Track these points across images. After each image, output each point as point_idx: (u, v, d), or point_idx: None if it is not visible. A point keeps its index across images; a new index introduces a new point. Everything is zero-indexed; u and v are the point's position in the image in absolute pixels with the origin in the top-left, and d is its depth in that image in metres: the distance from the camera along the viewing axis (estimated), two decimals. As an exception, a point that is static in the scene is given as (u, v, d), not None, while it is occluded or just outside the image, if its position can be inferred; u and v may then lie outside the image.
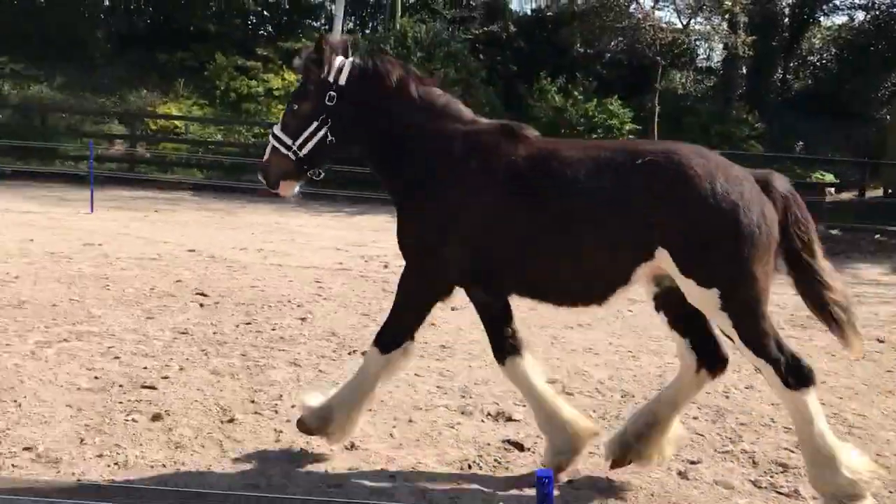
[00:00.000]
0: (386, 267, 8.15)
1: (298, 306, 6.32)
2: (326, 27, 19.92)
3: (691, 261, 3.03)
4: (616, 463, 3.41)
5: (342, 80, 3.43)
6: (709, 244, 3.01)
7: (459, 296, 3.51)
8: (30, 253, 7.85)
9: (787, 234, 3.12)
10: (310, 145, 3.44)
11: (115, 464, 3.32)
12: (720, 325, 3.16)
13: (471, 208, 3.28)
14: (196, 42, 19.30)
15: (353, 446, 3.62)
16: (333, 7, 19.37)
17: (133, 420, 3.77)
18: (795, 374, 3.00)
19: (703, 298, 3.06)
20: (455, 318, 5.74)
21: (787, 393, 3.02)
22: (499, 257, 3.31)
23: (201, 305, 6.18)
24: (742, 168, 3.21)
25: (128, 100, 17.87)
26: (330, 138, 3.45)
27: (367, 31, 22.52)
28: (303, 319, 5.91)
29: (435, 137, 3.40)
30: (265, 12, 22.25)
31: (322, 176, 3.68)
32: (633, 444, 3.37)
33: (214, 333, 5.37)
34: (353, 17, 22.97)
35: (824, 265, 3.18)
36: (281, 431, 3.75)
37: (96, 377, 4.35)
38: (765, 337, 3.04)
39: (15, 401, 3.93)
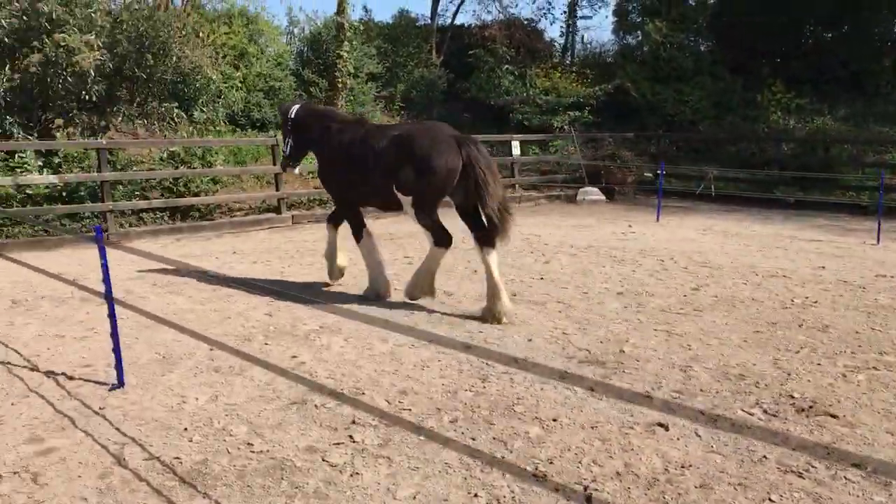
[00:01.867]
0: None
1: None
2: None
3: (405, 185, 6.50)
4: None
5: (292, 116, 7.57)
6: (410, 176, 6.46)
7: None
8: (823, 280, 8.24)
9: (465, 171, 6.38)
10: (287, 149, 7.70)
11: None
12: (413, 214, 6.64)
13: (335, 160, 7.14)
14: None
15: None
16: None
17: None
18: (438, 240, 6.68)
19: (405, 202, 6.60)
20: None
21: (435, 248, 6.74)
22: (347, 184, 7.10)
23: None
24: (449, 134, 6.60)
25: None
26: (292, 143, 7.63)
27: None
28: None
29: (322, 129, 7.30)
30: None
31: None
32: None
33: None
34: None
35: (491, 184, 6.37)
36: None
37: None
38: (431, 220, 6.63)
39: (838, 416, 4.28)
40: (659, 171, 14.53)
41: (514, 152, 17.11)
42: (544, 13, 24.42)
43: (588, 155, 18.15)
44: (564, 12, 25.07)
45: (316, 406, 4.48)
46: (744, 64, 20.05)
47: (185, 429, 4.20)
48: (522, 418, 4.34)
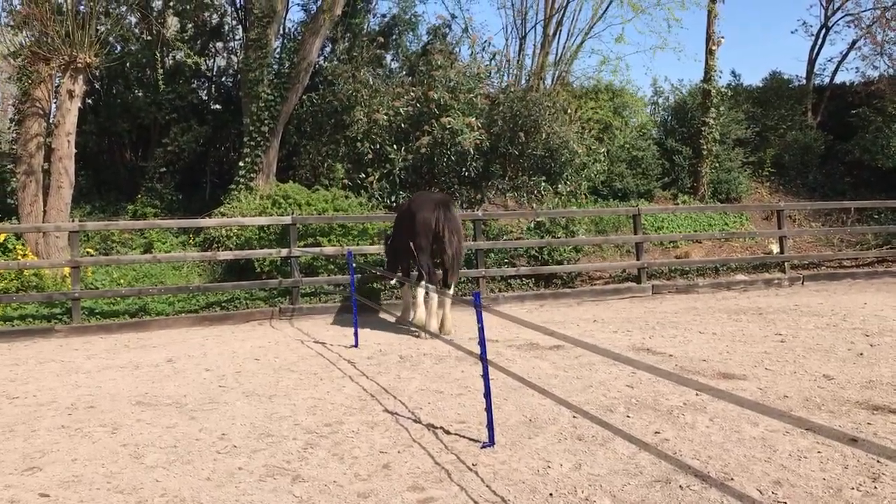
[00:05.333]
0: None
1: None
2: None
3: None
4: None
5: None
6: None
7: None
8: None
9: (438, 227, 8.98)
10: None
11: None
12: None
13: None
14: None
15: None
16: None
17: None
18: (419, 276, 9.01)
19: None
20: None
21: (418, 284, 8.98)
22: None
23: None
24: (432, 198, 9.50)
25: None
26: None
27: None
28: None
29: None
30: None
31: None
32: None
33: None
34: None
35: (448, 241, 9.06)
36: None
37: None
38: (422, 262, 9.04)
39: None
40: None
41: (906, 220, 15.14)
42: (947, 63, 21.38)
43: None
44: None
45: (681, 487, 4.30)
46: None
47: (551, 494, 4.29)
48: (928, 533, 3.72)
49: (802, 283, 13.84)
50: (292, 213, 12.45)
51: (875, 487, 4.25)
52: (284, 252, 11.62)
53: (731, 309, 11.03)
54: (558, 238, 13.52)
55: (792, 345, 8.20)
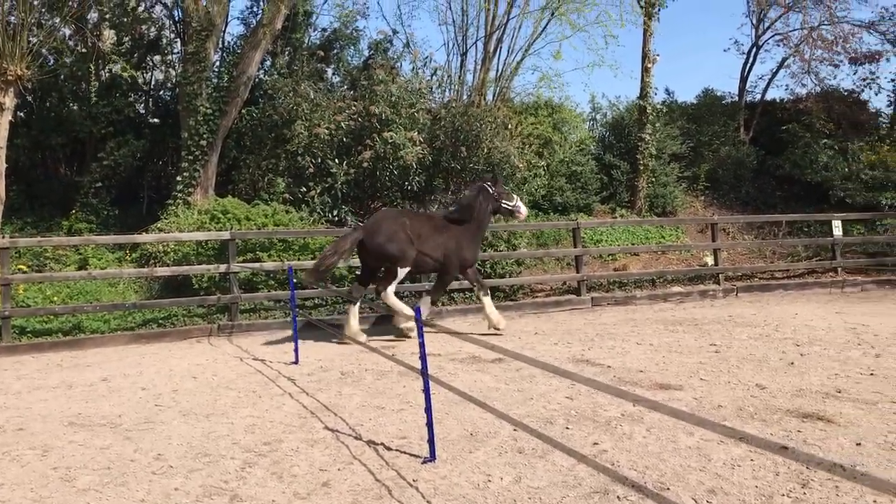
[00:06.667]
0: None
1: None
2: None
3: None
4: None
5: None
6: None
7: None
8: None
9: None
10: None
11: None
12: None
13: None
14: None
15: None
16: None
17: None
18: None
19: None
20: None
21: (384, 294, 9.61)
22: None
23: None
24: (387, 214, 10.38)
25: None
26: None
27: None
28: None
29: None
30: None
31: None
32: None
33: None
34: None
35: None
36: None
37: None
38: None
39: None
40: None
41: (835, 232, 15.70)
42: (868, 83, 22.29)
43: (926, 235, 16.05)
44: (893, 81, 22.78)
45: (619, 497, 4.37)
46: None
47: (490, 508, 4.31)
48: (853, 536, 3.85)
49: (736, 295, 14.21)
50: (231, 228, 12.29)
51: (804, 493, 4.38)
52: (223, 268, 11.45)
53: (667, 320, 11.26)
54: (500, 251, 13.62)
55: (726, 355, 8.41)
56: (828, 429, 5.58)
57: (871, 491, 4.24)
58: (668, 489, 4.49)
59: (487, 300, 10.37)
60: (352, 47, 18.65)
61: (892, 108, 23.07)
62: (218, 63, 16.28)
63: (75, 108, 16.08)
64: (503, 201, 10.59)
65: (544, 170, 17.21)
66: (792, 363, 7.87)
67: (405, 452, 5.27)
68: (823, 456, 4.92)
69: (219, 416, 6.43)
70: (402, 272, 9.78)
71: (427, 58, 17.56)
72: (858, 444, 5.19)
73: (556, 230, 16.30)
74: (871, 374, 7.32)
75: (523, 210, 10.83)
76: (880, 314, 11.36)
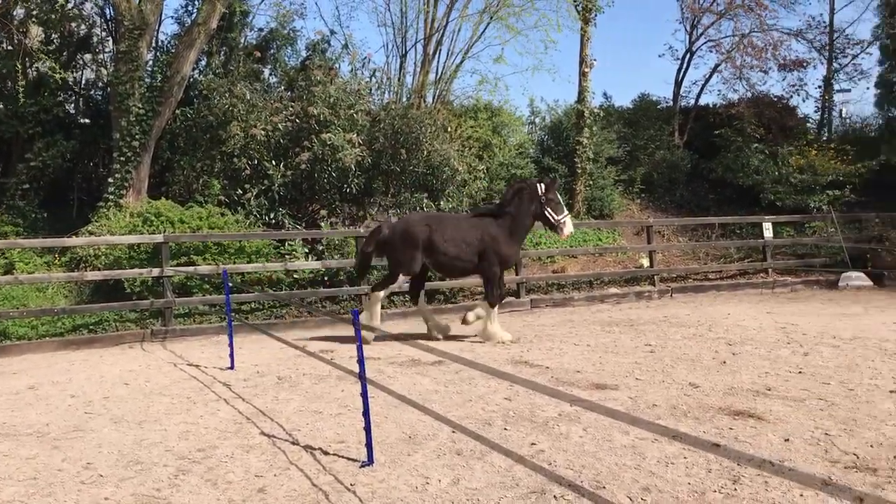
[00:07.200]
0: None
1: None
2: None
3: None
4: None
5: None
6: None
7: None
8: None
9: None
10: None
11: None
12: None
13: None
14: None
15: None
16: None
17: None
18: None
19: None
20: None
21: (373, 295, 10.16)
22: None
23: None
24: (411, 218, 10.29)
25: None
26: None
27: None
28: None
29: None
30: None
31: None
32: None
33: None
34: None
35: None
36: None
37: None
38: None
39: None
40: (939, 254, 12.97)
41: (765, 234, 16.17)
42: (796, 89, 23.04)
43: (851, 237, 16.65)
44: (819, 87, 23.60)
45: (555, 497, 4.40)
46: None
47: (428, 511, 4.29)
48: (781, 529, 3.95)
49: (671, 296, 14.51)
50: (165, 231, 12.00)
51: (735, 489, 4.48)
52: (156, 272, 11.18)
53: (604, 321, 11.43)
54: (440, 254, 13.61)
55: (661, 355, 8.57)
56: (758, 426, 5.73)
57: (798, 485, 4.37)
58: (604, 487, 4.54)
59: (491, 313, 9.89)
60: (289, 48, 18.40)
61: (819, 113, 23.92)
62: (151, 62, 15.89)
63: (1, 107, 15.49)
64: (548, 209, 9.81)
65: (484, 172, 17.26)
66: (724, 362, 8.06)
67: (343, 457, 5.21)
68: (754, 452, 5.04)
69: (151, 422, 6.27)
70: (401, 279, 9.88)
71: (366, 59, 17.52)
72: (787, 441, 5.34)
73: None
74: (800, 373, 7.54)
75: (566, 229, 9.95)
76: (808, 314, 11.74)
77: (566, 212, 10.05)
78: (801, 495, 4.31)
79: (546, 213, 9.84)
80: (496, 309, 9.96)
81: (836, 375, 7.36)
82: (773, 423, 5.79)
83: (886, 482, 4.51)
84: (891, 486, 4.45)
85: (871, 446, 5.18)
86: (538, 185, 9.90)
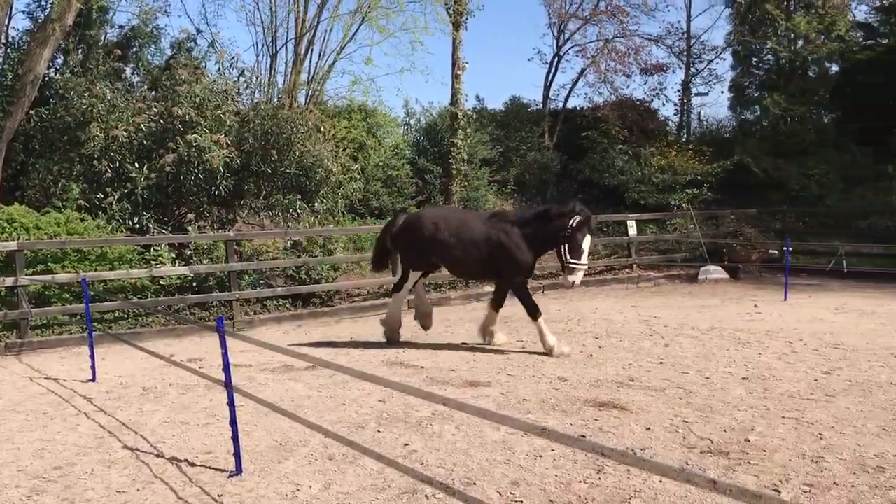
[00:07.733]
0: None
1: None
2: None
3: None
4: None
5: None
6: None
7: None
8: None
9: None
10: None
11: None
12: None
13: None
14: None
15: None
16: None
17: None
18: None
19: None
20: None
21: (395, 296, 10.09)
22: None
23: None
24: (422, 213, 10.00)
25: None
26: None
27: None
28: None
29: None
30: None
31: None
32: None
33: None
34: None
35: None
36: None
37: None
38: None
39: None
40: (785, 248, 13.94)
41: (630, 232, 16.88)
42: (657, 93, 24.22)
43: (708, 233, 17.67)
44: (678, 91, 24.89)
45: (426, 496, 4.44)
46: (871, 135, 19.17)
47: (298, 518, 4.23)
48: (640, 513, 4.14)
49: (543, 292, 14.92)
50: (19, 239, 11.27)
51: (599, 479, 4.66)
52: (10, 281, 10.47)
53: (478, 319, 11.58)
54: (315, 257, 13.47)
55: (532, 350, 8.80)
56: (622, 416, 5.98)
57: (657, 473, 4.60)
58: (475, 484, 4.62)
59: (495, 316, 9.48)
60: (153, 46, 17.66)
61: (678, 115, 25.22)
62: (1, 60, 14.90)
63: None
64: (565, 234, 8.34)
65: (359, 173, 17.19)
66: (591, 355, 8.38)
67: (210, 467, 5.06)
68: (617, 442, 5.27)
69: (3, 441, 5.89)
70: (414, 275, 9.60)
71: (234, 58, 17.05)
72: (648, 429, 5.61)
73: (372, 234, 16.33)
74: (661, 363, 7.94)
75: (571, 277, 8.45)
76: (670, 307, 12.36)
77: (583, 260, 8.41)
78: (661, 480, 4.53)
79: (563, 236, 8.36)
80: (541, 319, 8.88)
81: (695, 365, 7.80)
82: (635, 413, 6.06)
83: (737, 464, 4.81)
84: (741, 468, 4.75)
85: (725, 431, 5.52)
86: (573, 216, 8.32)
